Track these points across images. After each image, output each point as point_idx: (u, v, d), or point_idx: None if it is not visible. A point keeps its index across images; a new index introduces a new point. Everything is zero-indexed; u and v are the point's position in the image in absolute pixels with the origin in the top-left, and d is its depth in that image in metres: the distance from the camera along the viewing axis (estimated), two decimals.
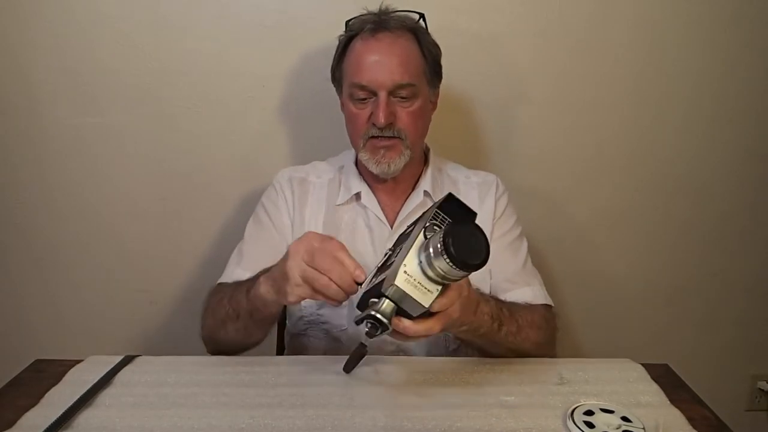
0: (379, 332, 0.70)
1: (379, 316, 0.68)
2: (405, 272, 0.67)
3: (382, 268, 0.75)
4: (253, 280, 0.88)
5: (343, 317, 1.02)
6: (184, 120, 1.35)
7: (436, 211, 0.72)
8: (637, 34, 1.34)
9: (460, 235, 0.64)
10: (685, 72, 1.38)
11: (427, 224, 0.70)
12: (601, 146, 1.42)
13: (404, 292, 0.67)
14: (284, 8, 1.29)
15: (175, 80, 1.32)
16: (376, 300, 0.70)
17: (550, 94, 1.38)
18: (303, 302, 0.86)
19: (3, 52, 1.30)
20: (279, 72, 1.33)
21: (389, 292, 0.68)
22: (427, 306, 0.69)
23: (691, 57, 1.37)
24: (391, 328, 0.69)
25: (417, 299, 0.68)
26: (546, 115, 1.39)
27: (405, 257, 0.68)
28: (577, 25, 1.33)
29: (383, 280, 0.70)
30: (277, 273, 0.80)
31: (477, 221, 0.74)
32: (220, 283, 1.03)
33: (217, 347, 0.98)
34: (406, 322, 0.70)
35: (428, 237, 0.68)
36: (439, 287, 0.69)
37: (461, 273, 0.66)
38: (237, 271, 1.03)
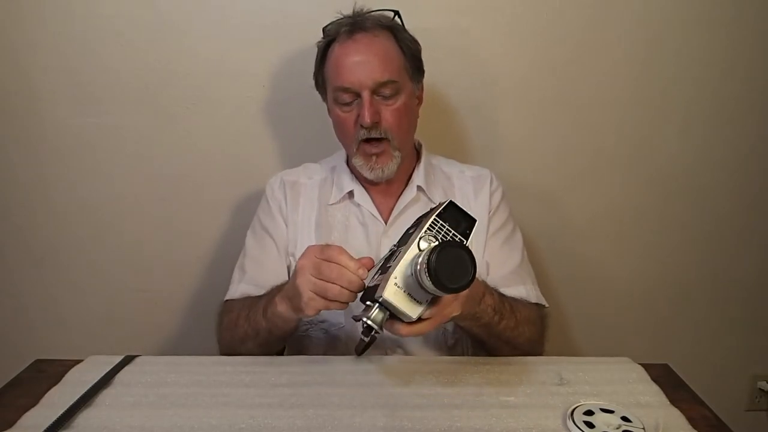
0: (373, 332, 0.72)
1: (370, 322, 0.71)
2: (395, 284, 0.69)
3: (387, 261, 0.76)
4: (268, 300, 0.91)
5: (340, 315, 1.02)
6: (184, 120, 1.35)
7: (434, 219, 0.72)
8: (637, 34, 1.34)
9: (446, 257, 0.64)
10: (685, 72, 1.37)
11: (423, 234, 0.70)
12: (600, 146, 1.42)
13: (392, 303, 0.69)
14: (284, 8, 1.29)
15: (175, 80, 1.32)
16: (370, 304, 0.72)
17: (550, 94, 1.37)
18: None
19: (3, 52, 1.30)
20: (279, 72, 1.33)
21: (380, 300, 0.69)
22: (414, 317, 0.70)
23: (691, 57, 1.36)
24: (382, 332, 0.72)
25: (405, 311, 0.69)
26: (546, 115, 1.39)
27: (397, 267, 0.69)
28: (577, 25, 1.33)
29: (379, 285, 0.71)
30: (290, 291, 0.83)
31: (472, 216, 0.75)
32: (227, 300, 1.05)
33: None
34: (397, 326, 0.72)
35: (421, 249, 0.69)
36: (429, 297, 0.70)
37: (444, 293, 0.67)
38: (241, 286, 1.05)
